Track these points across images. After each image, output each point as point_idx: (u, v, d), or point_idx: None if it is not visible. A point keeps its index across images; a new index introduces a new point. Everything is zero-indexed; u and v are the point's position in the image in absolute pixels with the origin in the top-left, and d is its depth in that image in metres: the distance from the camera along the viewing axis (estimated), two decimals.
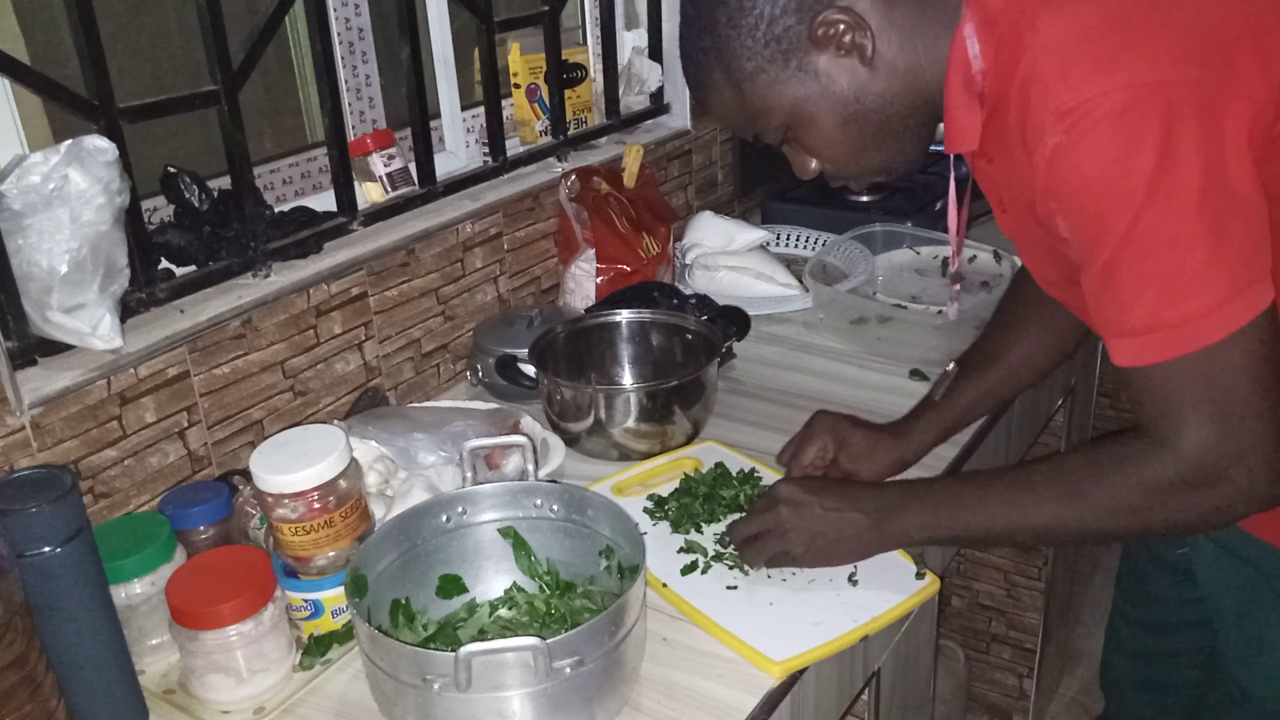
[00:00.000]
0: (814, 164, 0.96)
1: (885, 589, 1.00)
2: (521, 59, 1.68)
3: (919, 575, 1.01)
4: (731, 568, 1.05)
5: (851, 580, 1.01)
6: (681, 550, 1.08)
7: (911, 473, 1.20)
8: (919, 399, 1.23)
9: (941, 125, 0.93)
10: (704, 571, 1.05)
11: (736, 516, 1.11)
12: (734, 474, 1.19)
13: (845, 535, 1.00)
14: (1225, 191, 0.76)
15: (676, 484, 1.18)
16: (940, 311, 1.48)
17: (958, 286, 1.14)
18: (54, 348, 1.07)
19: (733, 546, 1.06)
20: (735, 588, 1.02)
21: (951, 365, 1.18)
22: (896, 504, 0.99)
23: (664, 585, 1.02)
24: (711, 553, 1.07)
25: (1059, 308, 1.09)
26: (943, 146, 0.94)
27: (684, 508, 1.14)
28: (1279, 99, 0.77)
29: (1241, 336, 0.77)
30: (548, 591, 1.02)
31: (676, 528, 1.11)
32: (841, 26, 0.86)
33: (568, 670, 0.81)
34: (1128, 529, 0.89)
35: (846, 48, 0.87)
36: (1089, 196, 0.78)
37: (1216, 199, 0.75)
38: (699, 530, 1.11)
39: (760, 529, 1.02)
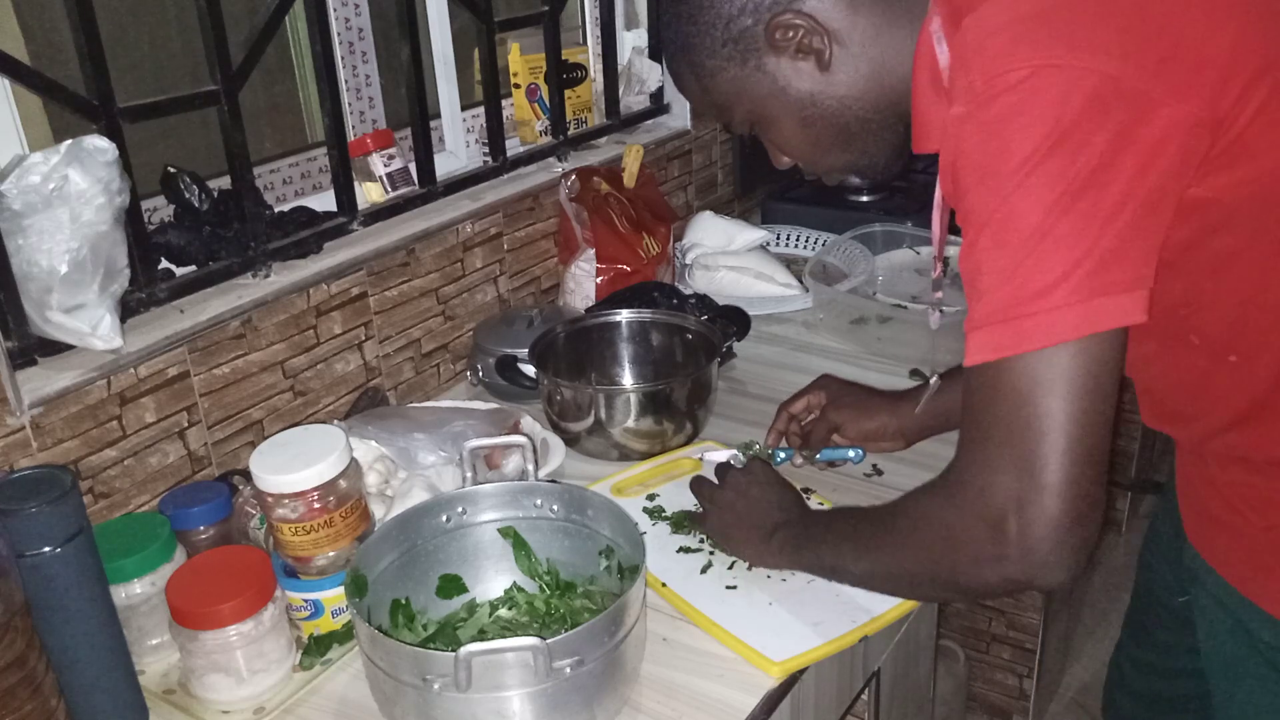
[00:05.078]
0: (785, 158, 0.96)
1: None
2: (521, 59, 1.68)
3: None
4: (731, 567, 1.05)
5: None
6: (681, 551, 1.08)
7: (914, 471, 1.20)
8: None
9: None
10: (704, 571, 1.05)
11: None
12: None
13: (746, 529, 1.03)
14: (1111, 193, 0.68)
15: (676, 484, 1.18)
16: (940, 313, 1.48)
17: (939, 294, 1.12)
18: (54, 348, 1.07)
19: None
20: (735, 587, 1.02)
21: (935, 379, 1.18)
22: (789, 521, 1.01)
23: (663, 585, 1.02)
24: (709, 549, 1.07)
25: None
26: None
27: (683, 509, 1.14)
28: (1218, 111, 0.70)
29: (1068, 352, 0.68)
30: (548, 591, 1.02)
31: (676, 528, 1.11)
32: (799, 31, 0.85)
33: (568, 670, 0.81)
34: (927, 577, 0.81)
35: (804, 51, 0.86)
36: (971, 169, 0.72)
37: (1095, 197, 0.68)
38: (699, 530, 1.11)
39: (719, 476, 1.08)
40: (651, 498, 1.17)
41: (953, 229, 0.91)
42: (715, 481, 1.10)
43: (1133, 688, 1.30)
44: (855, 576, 0.91)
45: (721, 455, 1.23)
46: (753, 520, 1.03)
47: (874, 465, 1.22)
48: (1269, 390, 0.82)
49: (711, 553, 1.07)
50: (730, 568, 1.05)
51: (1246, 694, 0.98)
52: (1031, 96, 0.69)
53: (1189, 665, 1.14)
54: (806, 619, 0.97)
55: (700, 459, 1.24)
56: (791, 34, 0.86)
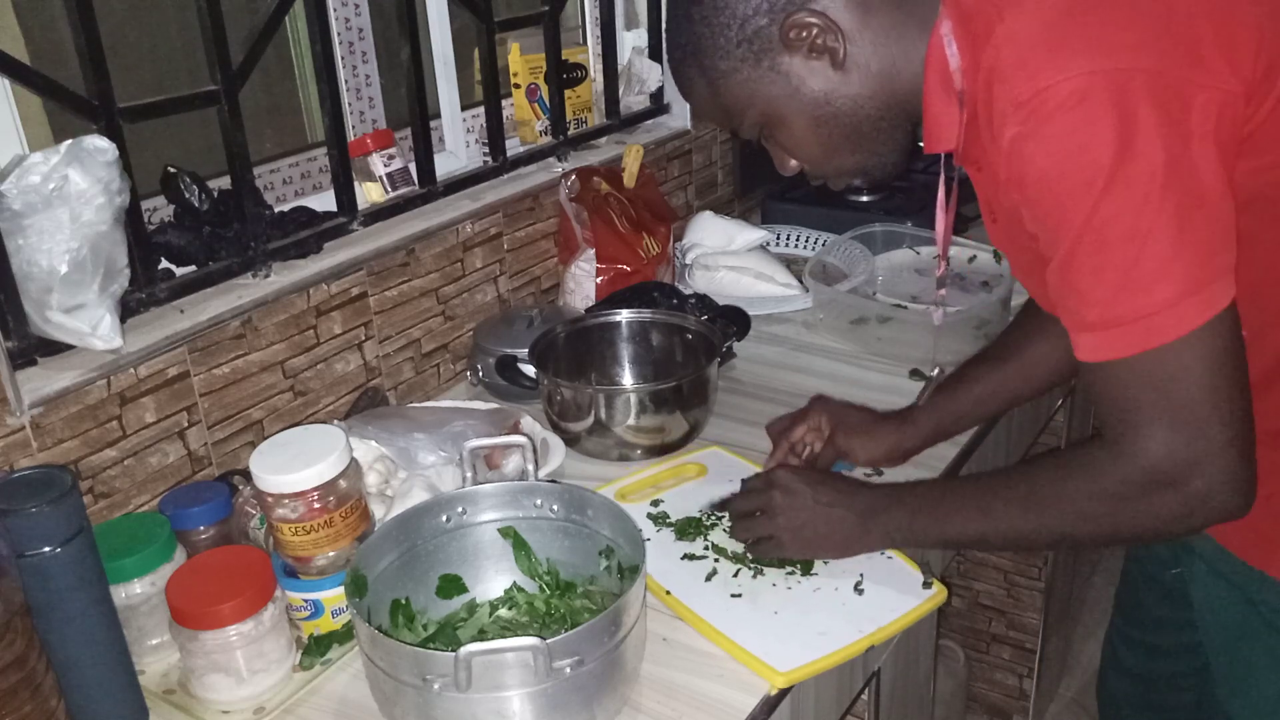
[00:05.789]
0: (793, 162, 0.96)
1: (892, 599, 0.99)
2: (521, 59, 1.68)
3: (926, 584, 1.01)
4: (736, 574, 1.04)
5: (858, 589, 1.00)
6: (686, 558, 1.07)
7: (914, 471, 1.20)
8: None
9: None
10: (709, 579, 1.04)
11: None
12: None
13: (833, 530, 1.01)
14: (1188, 184, 0.73)
15: (680, 490, 1.18)
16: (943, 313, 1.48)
17: (943, 291, 1.13)
18: (54, 348, 1.07)
19: (728, 520, 1.08)
20: (740, 595, 1.01)
21: (937, 371, 1.18)
22: (883, 504, 1.00)
23: (667, 593, 1.02)
24: (714, 556, 1.07)
25: None
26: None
27: (688, 515, 1.13)
28: (1250, 93, 0.74)
29: (1198, 337, 0.75)
30: (548, 591, 1.02)
31: (681, 535, 1.11)
32: (814, 30, 0.86)
33: (568, 670, 0.81)
34: (1092, 535, 0.88)
35: (818, 50, 0.87)
36: (1047, 187, 0.76)
37: (1178, 191, 0.73)
38: (704, 536, 1.11)
39: (753, 509, 1.04)
40: (656, 504, 1.17)
41: (956, 229, 0.93)
42: (744, 499, 1.07)
43: (1125, 667, 1.30)
44: (991, 541, 0.97)
45: (733, 461, 1.21)
46: (832, 518, 1.01)
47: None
48: (1273, 364, 0.85)
49: (716, 560, 1.06)
50: (735, 575, 1.04)
51: (1248, 661, 0.99)
52: (1086, 107, 0.73)
53: (1181, 641, 1.16)
54: (811, 628, 0.96)
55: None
56: (806, 33, 0.86)
